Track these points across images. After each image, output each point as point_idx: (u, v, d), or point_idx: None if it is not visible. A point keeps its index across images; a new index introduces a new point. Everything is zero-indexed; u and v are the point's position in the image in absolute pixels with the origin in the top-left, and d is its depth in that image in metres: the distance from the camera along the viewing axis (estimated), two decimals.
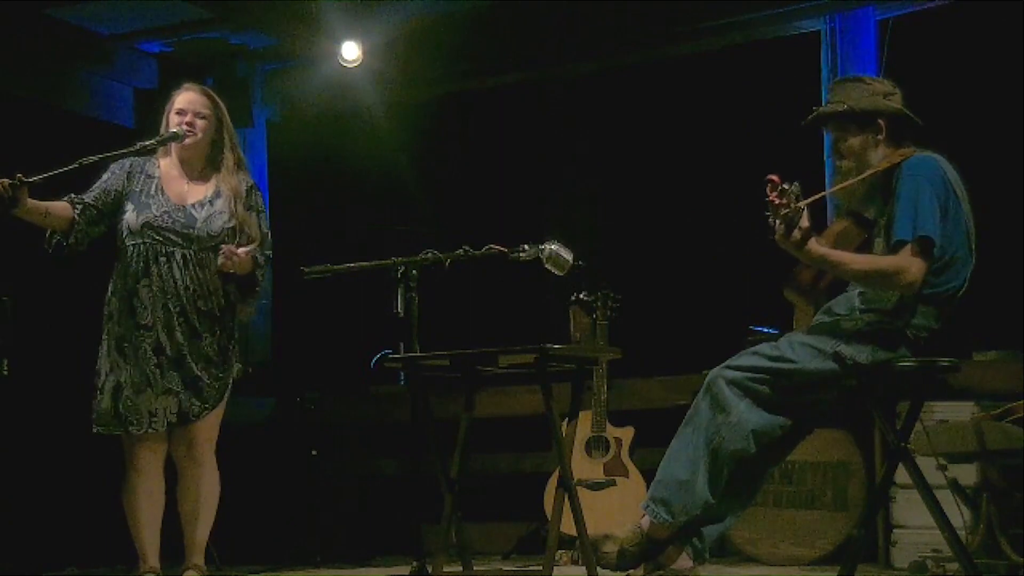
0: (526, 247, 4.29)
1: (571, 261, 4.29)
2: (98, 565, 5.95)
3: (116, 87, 7.26)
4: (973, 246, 3.98)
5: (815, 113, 4.09)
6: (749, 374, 3.93)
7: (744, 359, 3.98)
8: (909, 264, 3.79)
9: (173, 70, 7.02)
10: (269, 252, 4.72)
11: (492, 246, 4.32)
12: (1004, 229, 5.77)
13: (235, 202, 4.61)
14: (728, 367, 3.98)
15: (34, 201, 4.38)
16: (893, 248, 3.83)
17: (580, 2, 6.79)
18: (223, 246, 4.50)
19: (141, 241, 4.52)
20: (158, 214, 4.53)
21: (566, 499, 4.11)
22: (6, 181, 4.25)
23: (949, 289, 3.92)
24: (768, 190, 3.62)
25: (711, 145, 6.71)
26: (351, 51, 6.98)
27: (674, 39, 6.77)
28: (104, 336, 4.55)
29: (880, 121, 4.02)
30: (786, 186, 3.61)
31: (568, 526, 4.26)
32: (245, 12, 6.90)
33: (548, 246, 4.27)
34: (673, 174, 6.97)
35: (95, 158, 4.51)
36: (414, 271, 4.29)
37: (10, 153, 4.68)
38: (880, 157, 4.00)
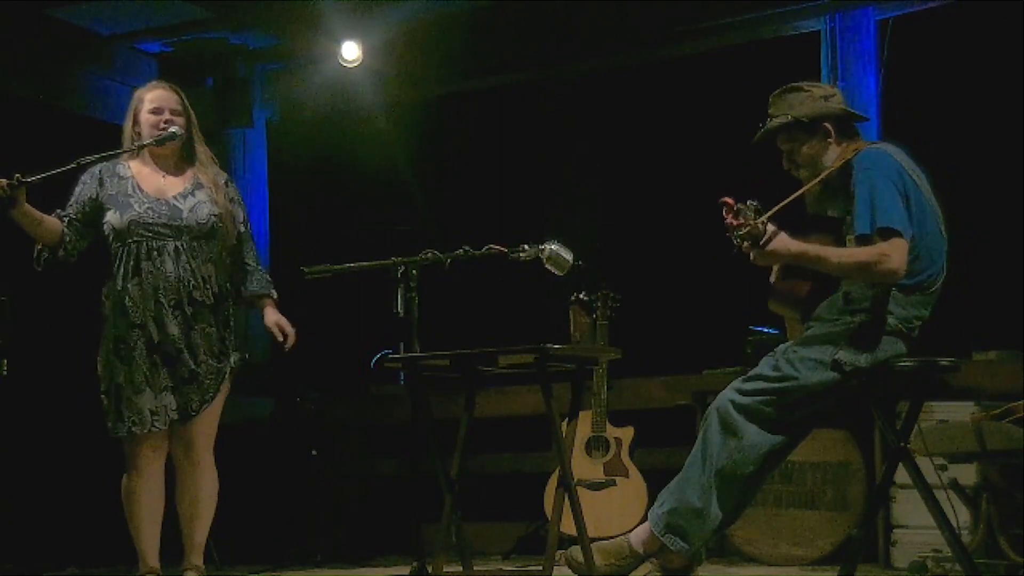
0: (526, 247, 4.28)
1: (571, 261, 4.29)
2: (98, 565, 5.95)
3: (116, 87, 7.25)
4: (943, 228, 3.98)
5: (763, 130, 4.11)
6: (756, 398, 3.95)
7: (749, 384, 3.99)
8: (887, 251, 3.80)
9: (173, 70, 7.02)
10: (253, 242, 4.75)
11: (492, 246, 4.31)
12: (1004, 229, 5.77)
13: (216, 193, 4.61)
14: (735, 391, 3.99)
15: (30, 207, 4.38)
16: (857, 243, 3.86)
17: (580, 2, 6.79)
18: (278, 331, 4.63)
19: (131, 240, 4.50)
20: (142, 210, 4.52)
21: (566, 499, 4.11)
22: (4, 181, 4.25)
23: (930, 275, 3.94)
24: (724, 213, 3.67)
25: (711, 145, 6.70)
26: (351, 51, 6.98)
27: (674, 39, 6.77)
28: (102, 339, 4.55)
29: (827, 124, 4.05)
30: (741, 205, 3.67)
31: (568, 526, 4.26)
32: (245, 12, 6.90)
33: (548, 246, 4.27)
34: (673, 174, 6.97)
35: (95, 158, 4.51)
36: (414, 271, 4.29)
37: (10, 153, 4.68)
38: (833, 158, 4.03)
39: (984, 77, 6.03)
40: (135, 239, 4.50)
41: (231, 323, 4.61)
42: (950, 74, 6.05)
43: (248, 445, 6.29)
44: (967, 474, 4.78)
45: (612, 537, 4.21)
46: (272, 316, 4.67)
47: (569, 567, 4.15)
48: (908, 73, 6.13)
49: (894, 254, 3.81)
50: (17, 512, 5.82)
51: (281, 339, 4.65)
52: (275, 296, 4.71)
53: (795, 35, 6.56)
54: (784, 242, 3.81)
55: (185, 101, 4.67)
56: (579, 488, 4.78)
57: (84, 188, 4.59)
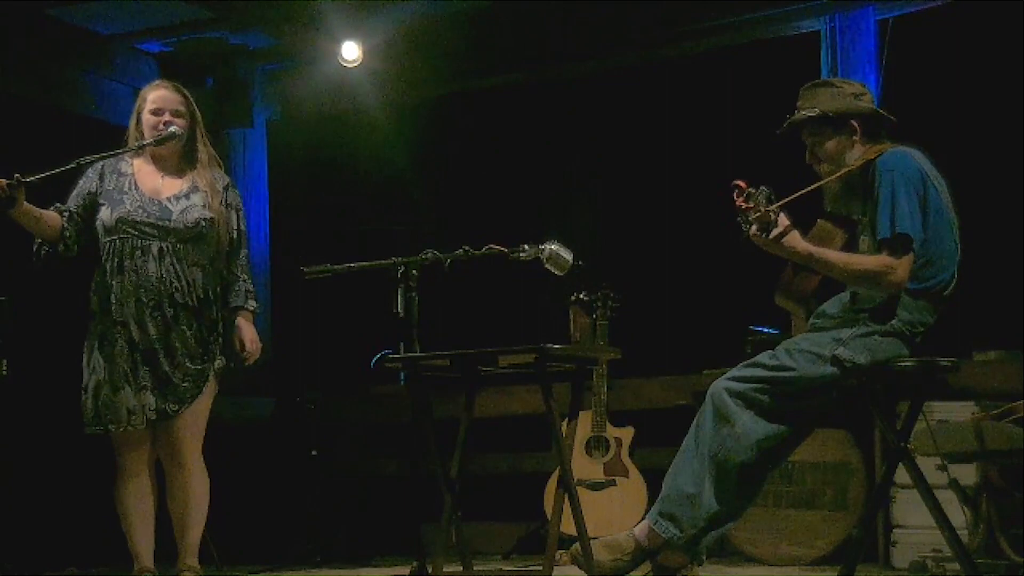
0: (526, 247, 4.28)
1: (571, 261, 4.29)
2: (98, 565, 5.95)
3: (116, 87, 7.26)
4: (957, 237, 3.98)
5: (789, 121, 4.11)
6: (751, 385, 3.94)
7: (745, 371, 3.99)
8: (894, 264, 3.82)
9: (173, 70, 7.02)
10: (247, 251, 4.71)
11: (492, 246, 4.31)
12: (1004, 229, 5.77)
13: (212, 196, 4.59)
14: (730, 379, 3.98)
15: (29, 204, 4.38)
16: (876, 248, 3.87)
17: (580, 2, 6.79)
18: (239, 344, 4.56)
19: (116, 237, 4.51)
20: (132, 208, 4.52)
21: (566, 499, 4.11)
22: (3, 181, 4.25)
23: (939, 282, 3.94)
24: (735, 195, 3.66)
25: (711, 145, 6.71)
26: (351, 51, 6.98)
27: (674, 39, 6.77)
28: (88, 335, 4.55)
29: (853, 122, 4.04)
30: (752, 190, 3.66)
31: (568, 526, 4.26)
32: (245, 12, 6.90)
33: (548, 246, 4.27)
34: (673, 174, 6.96)
35: (94, 158, 4.51)
36: (414, 271, 4.28)
37: (10, 153, 4.68)
38: (857, 156, 4.03)
39: (984, 77, 6.03)
40: (121, 236, 4.50)
41: (218, 327, 4.58)
42: (950, 74, 6.05)
43: (248, 445, 6.29)
44: (967, 474, 4.78)
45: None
46: (240, 329, 4.62)
47: (575, 563, 4.15)
48: (908, 73, 6.13)
49: (899, 268, 3.82)
50: (17, 512, 5.82)
51: (242, 355, 4.60)
52: (252, 308, 4.65)
53: (795, 35, 6.56)
54: (795, 240, 3.81)
55: (190, 102, 4.66)
56: (579, 488, 4.78)
57: (85, 182, 4.60)
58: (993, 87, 6.01)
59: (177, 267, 4.50)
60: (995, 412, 4.65)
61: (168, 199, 4.57)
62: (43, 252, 4.54)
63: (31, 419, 5.94)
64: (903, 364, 3.89)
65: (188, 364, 4.49)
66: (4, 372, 5.01)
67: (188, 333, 4.49)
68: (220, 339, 4.58)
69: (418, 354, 4.23)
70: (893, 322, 3.90)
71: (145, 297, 4.46)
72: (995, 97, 6.00)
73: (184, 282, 4.50)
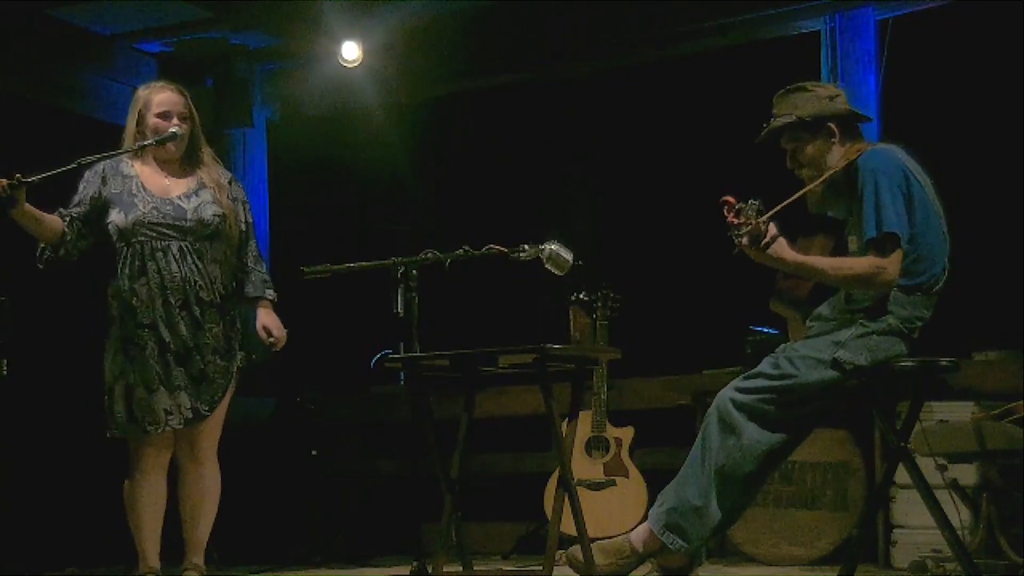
0: (526, 247, 4.28)
1: (571, 261, 4.29)
2: (98, 565, 5.95)
3: (116, 87, 7.25)
4: (945, 229, 3.99)
5: (766, 130, 4.11)
6: (756, 396, 3.95)
7: (749, 382, 3.99)
8: (883, 263, 3.83)
9: (173, 70, 7.02)
10: (255, 241, 4.73)
11: (492, 246, 4.32)
12: (1004, 229, 5.77)
13: (219, 192, 4.61)
14: (735, 389, 3.99)
15: (30, 206, 4.37)
16: (864, 248, 3.87)
17: (580, 2, 6.79)
18: (264, 334, 4.59)
19: (135, 240, 4.50)
20: (147, 210, 4.51)
21: (566, 499, 4.11)
22: (4, 181, 4.25)
23: (931, 276, 3.95)
24: (725, 212, 3.67)
25: (711, 145, 6.70)
26: (351, 51, 6.98)
27: (674, 39, 6.77)
28: (108, 340, 4.54)
29: (831, 124, 4.05)
30: (742, 204, 3.68)
31: (568, 526, 4.26)
32: (245, 12, 6.91)
33: (548, 246, 4.27)
34: (673, 174, 6.96)
35: (94, 158, 4.51)
36: (414, 271, 4.29)
37: (10, 153, 4.68)
38: (837, 158, 4.03)
39: (984, 77, 6.03)
40: (140, 239, 4.50)
41: (237, 323, 4.61)
42: (950, 74, 6.05)
43: (248, 445, 6.29)
44: (967, 474, 4.79)
45: (612, 537, 4.22)
46: (262, 318, 4.65)
47: (570, 566, 4.15)
48: (908, 73, 6.13)
49: (890, 266, 3.83)
50: (17, 512, 5.82)
51: (269, 342, 4.63)
52: (271, 297, 4.68)
53: (795, 35, 6.56)
54: (783, 250, 3.82)
55: (190, 103, 4.67)
56: (579, 488, 4.78)
57: (87, 186, 4.59)
58: (993, 87, 6.01)
59: (198, 265, 4.52)
60: (995, 412, 4.66)
61: (179, 197, 4.57)
62: (46, 256, 4.53)
63: (31, 419, 5.94)
64: (903, 364, 3.90)
65: (219, 361, 4.52)
66: (4, 372, 5.00)
67: (216, 329, 4.52)
68: (240, 334, 4.60)
69: (418, 354, 4.24)
70: (890, 320, 3.91)
71: (172, 298, 4.47)
72: (995, 97, 5.99)
73: (207, 279, 4.52)
